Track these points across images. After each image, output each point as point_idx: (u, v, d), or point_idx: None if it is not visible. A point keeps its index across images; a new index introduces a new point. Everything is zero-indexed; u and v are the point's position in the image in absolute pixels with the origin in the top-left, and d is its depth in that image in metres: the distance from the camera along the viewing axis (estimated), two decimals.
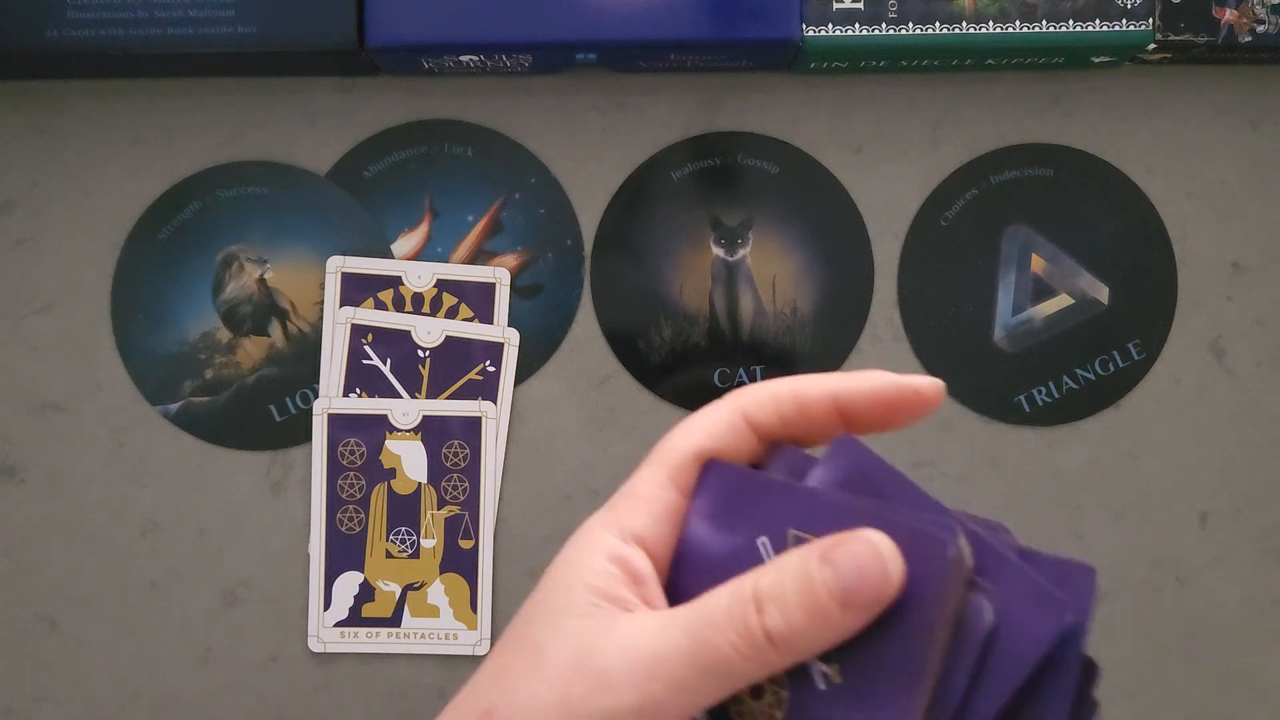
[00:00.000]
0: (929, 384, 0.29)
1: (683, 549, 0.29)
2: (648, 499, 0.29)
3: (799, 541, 0.27)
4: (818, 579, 0.25)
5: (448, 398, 0.55)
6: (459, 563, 0.54)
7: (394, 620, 0.54)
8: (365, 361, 0.55)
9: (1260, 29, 0.53)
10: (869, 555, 0.25)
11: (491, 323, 0.55)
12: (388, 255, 0.55)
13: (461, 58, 0.53)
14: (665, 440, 0.30)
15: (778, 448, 0.30)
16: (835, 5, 0.52)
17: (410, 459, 0.54)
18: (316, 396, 0.55)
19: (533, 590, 0.29)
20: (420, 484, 0.54)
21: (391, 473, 0.54)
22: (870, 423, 0.29)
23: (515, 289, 0.55)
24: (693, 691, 0.25)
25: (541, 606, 0.28)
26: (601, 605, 0.27)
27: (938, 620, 0.25)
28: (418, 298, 0.55)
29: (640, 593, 0.27)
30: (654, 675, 0.25)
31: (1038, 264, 0.56)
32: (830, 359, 0.55)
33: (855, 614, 0.25)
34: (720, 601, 0.26)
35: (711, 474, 0.29)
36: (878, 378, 0.29)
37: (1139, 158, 0.56)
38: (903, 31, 0.52)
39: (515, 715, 0.27)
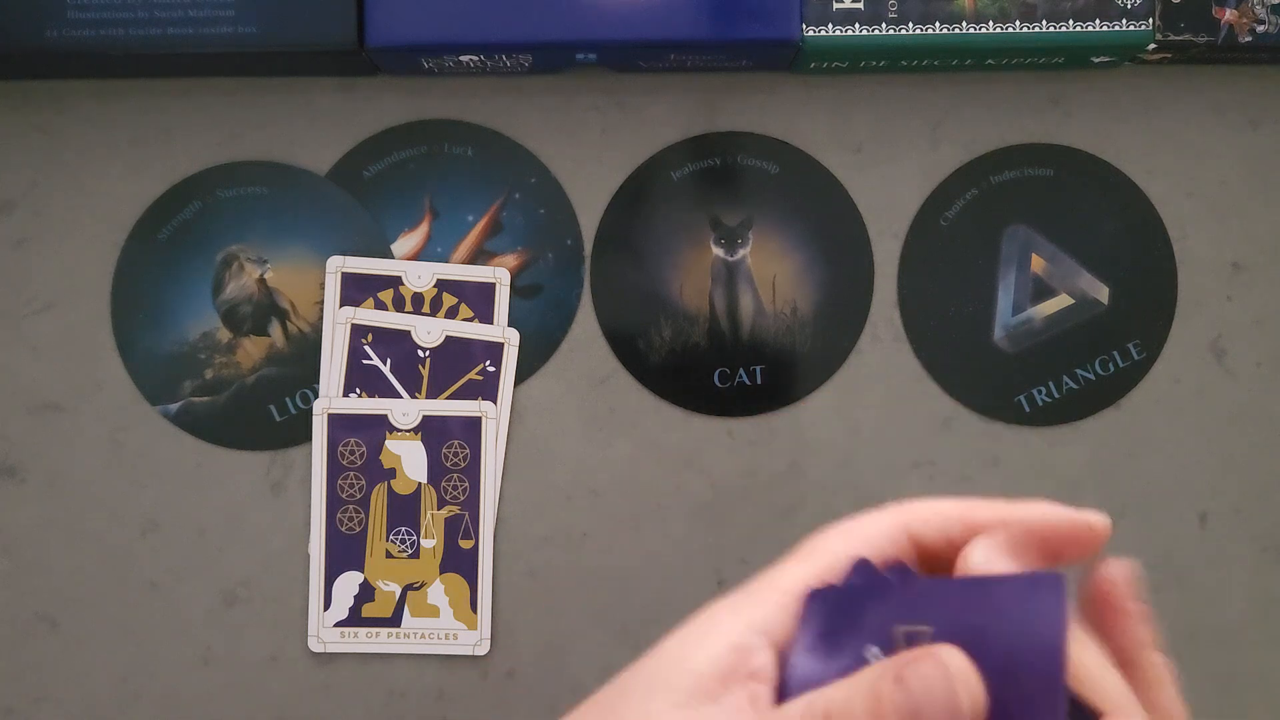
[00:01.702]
0: (1099, 520, 0.28)
1: (785, 685, 0.27)
2: (789, 594, 0.27)
3: (909, 638, 0.25)
4: (887, 700, 0.24)
5: (448, 398, 0.55)
6: (459, 563, 0.54)
7: (394, 620, 0.54)
8: (365, 361, 0.55)
9: (1260, 29, 0.53)
10: (939, 677, 0.24)
11: (491, 323, 0.55)
12: (388, 255, 0.55)
13: (461, 58, 0.53)
14: (820, 539, 0.28)
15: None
16: (835, 5, 0.52)
17: (410, 459, 0.54)
18: (316, 396, 0.55)
19: (640, 658, 0.27)
20: (420, 484, 0.54)
21: (391, 473, 0.54)
22: (1036, 554, 0.28)
23: (515, 289, 0.55)
24: None
25: (638, 679, 0.26)
26: (699, 700, 0.25)
27: (1062, 670, 0.24)
28: (418, 298, 0.55)
29: (751, 691, 0.25)
30: None
31: (1038, 264, 0.56)
32: (830, 359, 0.55)
33: None
34: (793, 711, 0.25)
35: (812, 602, 0.27)
36: (1050, 510, 0.28)
37: (1139, 158, 0.56)
38: (903, 31, 0.52)
39: None
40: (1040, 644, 0.24)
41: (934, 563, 0.28)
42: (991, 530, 0.27)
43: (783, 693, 0.26)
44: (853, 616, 0.26)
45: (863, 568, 0.27)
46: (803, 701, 0.25)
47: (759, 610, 0.26)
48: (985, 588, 0.25)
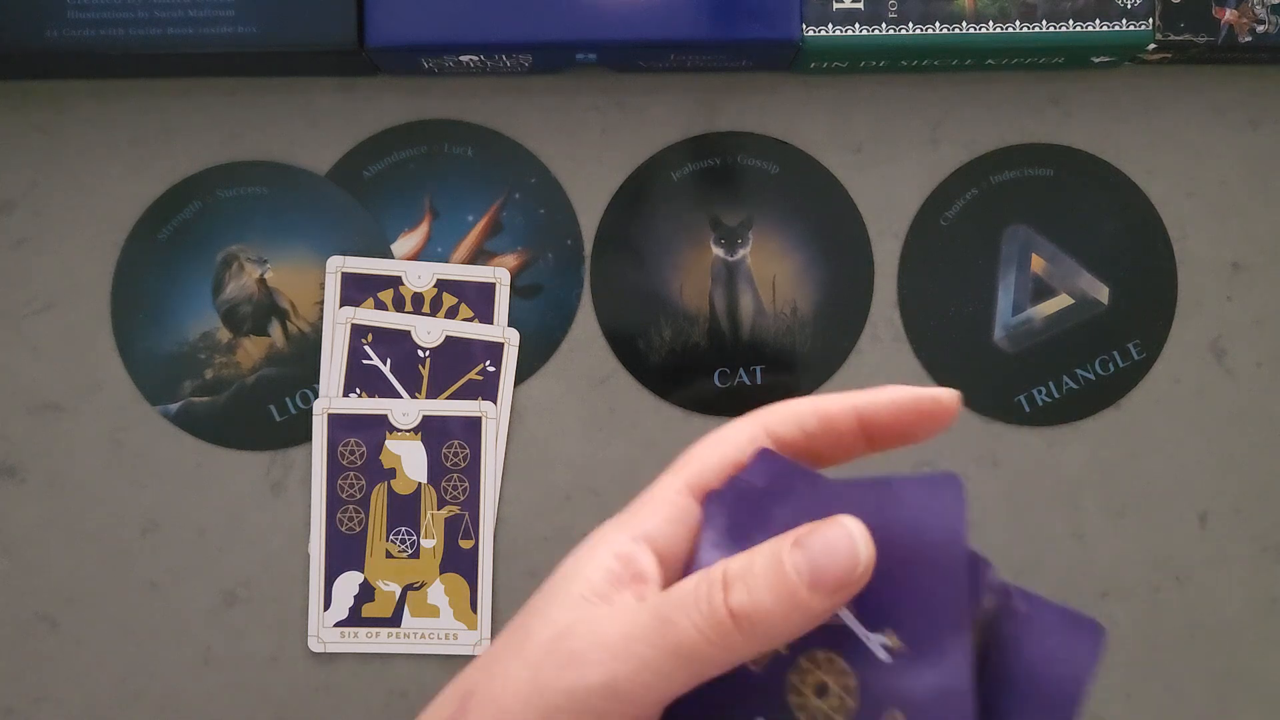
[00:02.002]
0: (948, 394, 0.29)
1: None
2: (663, 503, 0.29)
3: None
4: (788, 560, 0.25)
5: (448, 398, 0.55)
6: (459, 563, 0.54)
7: (394, 620, 0.54)
8: (365, 361, 0.55)
9: (1260, 29, 0.53)
10: (839, 536, 0.25)
11: (491, 323, 0.55)
12: (388, 255, 0.55)
13: (461, 58, 0.53)
14: (687, 452, 0.30)
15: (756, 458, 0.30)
16: (835, 5, 0.52)
17: (410, 459, 0.54)
18: (316, 396, 0.55)
19: (539, 587, 0.29)
20: (420, 484, 0.54)
21: (391, 473, 0.54)
22: (893, 436, 0.30)
23: (515, 289, 0.55)
24: (658, 673, 0.25)
25: (539, 599, 0.28)
26: (592, 599, 0.27)
27: (965, 555, 0.25)
28: (418, 298, 0.55)
29: (638, 590, 0.27)
30: (619, 655, 0.25)
31: (1038, 264, 0.56)
32: (830, 359, 0.55)
33: (823, 596, 0.25)
34: (689, 583, 0.26)
35: (712, 503, 0.29)
36: (899, 390, 0.29)
37: (1139, 158, 0.56)
38: (903, 31, 0.52)
39: (491, 695, 0.27)
40: (944, 536, 0.26)
41: (794, 453, 0.30)
42: (843, 416, 0.29)
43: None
44: (758, 514, 0.28)
45: (767, 460, 0.29)
46: (700, 572, 0.26)
47: (639, 520, 0.29)
48: (889, 487, 0.26)
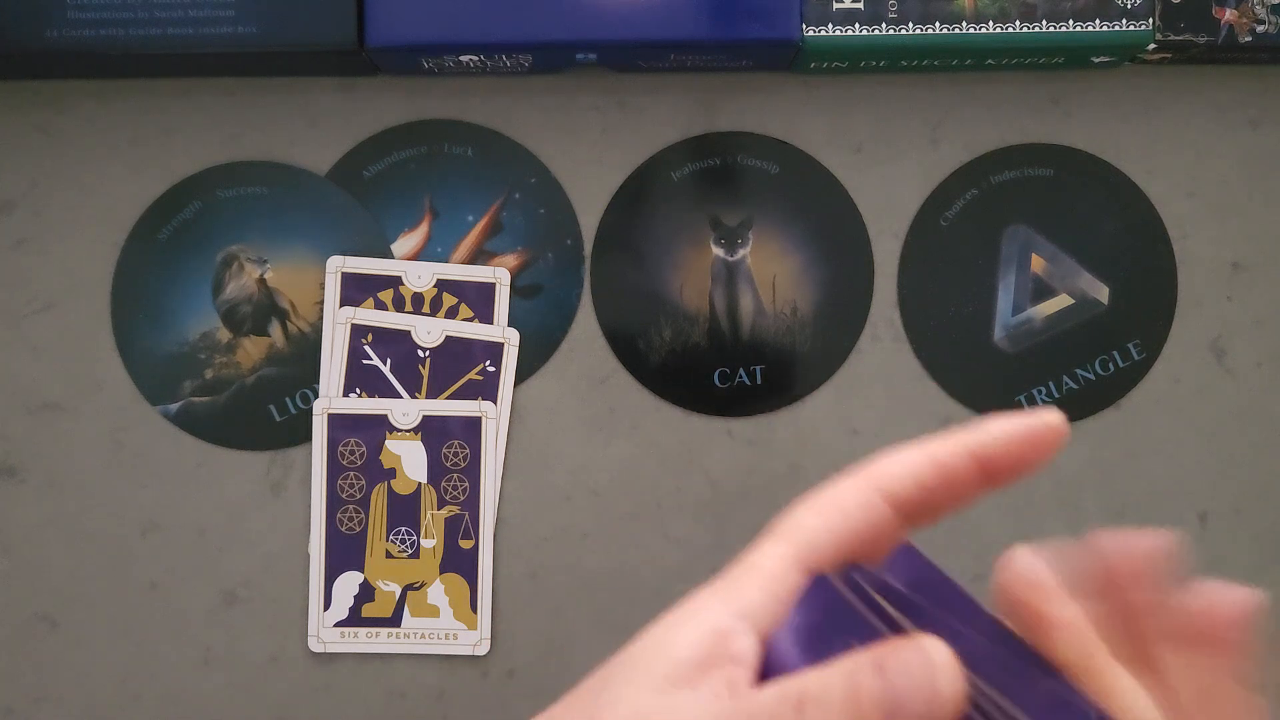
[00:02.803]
0: (1054, 415, 0.28)
1: (769, 669, 0.26)
2: (770, 576, 0.26)
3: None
4: (865, 687, 0.23)
5: (448, 398, 0.55)
6: (459, 563, 0.54)
7: (394, 620, 0.54)
8: (365, 361, 0.55)
9: (1260, 29, 0.53)
10: (919, 665, 0.23)
11: (491, 323, 0.55)
12: (388, 255, 0.55)
13: (461, 58, 0.53)
14: (791, 516, 0.27)
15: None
16: (835, 5, 0.52)
17: (410, 459, 0.54)
18: (316, 396, 0.55)
19: (620, 649, 0.27)
20: (420, 484, 0.54)
21: (391, 473, 0.54)
22: (1010, 470, 0.28)
23: (515, 289, 0.55)
24: None
25: (621, 666, 0.26)
26: (676, 682, 0.25)
27: None
28: (418, 298, 0.55)
29: (731, 676, 0.25)
30: None
31: (1038, 264, 0.56)
32: (830, 359, 0.55)
33: None
34: (768, 697, 0.24)
35: (812, 589, 0.26)
36: (1007, 423, 0.28)
37: (1139, 158, 0.56)
38: (903, 31, 0.52)
39: None
40: None
41: (911, 510, 0.28)
42: (960, 461, 0.27)
43: (765, 676, 0.26)
44: (850, 616, 0.26)
45: (909, 556, 0.26)
46: (779, 686, 0.24)
47: (739, 594, 0.26)
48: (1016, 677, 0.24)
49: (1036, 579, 0.26)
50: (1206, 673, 0.26)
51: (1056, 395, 0.55)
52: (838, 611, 0.26)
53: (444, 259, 0.55)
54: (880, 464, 0.28)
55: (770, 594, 0.26)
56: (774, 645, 0.26)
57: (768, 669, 0.26)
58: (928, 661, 0.23)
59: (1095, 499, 0.55)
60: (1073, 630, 0.26)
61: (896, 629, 0.25)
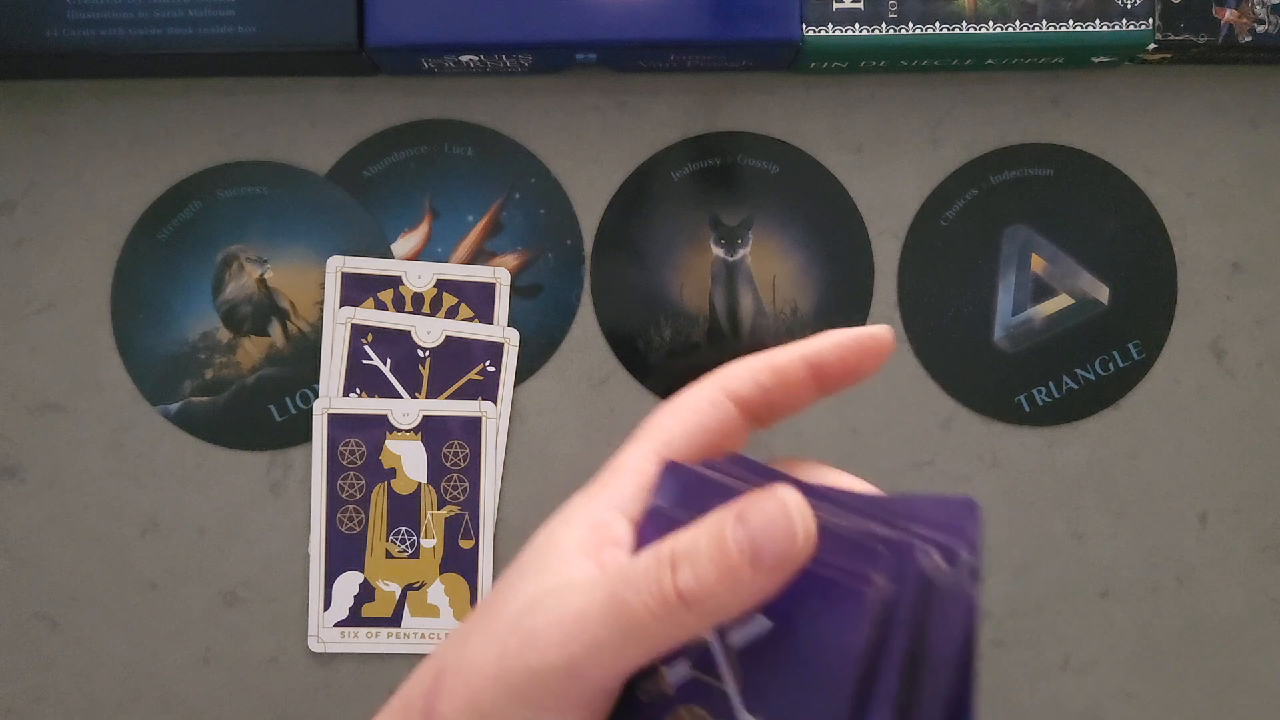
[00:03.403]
0: (882, 329, 0.32)
1: (640, 539, 0.29)
2: (634, 472, 0.29)
3: None
4: (730, 536, 0.25)
5: (448, 398, 0.55)
6: (459, 563, 0.54)
7: (394, 620, 0.54)
8: (365, 361, 0.55)
9: (1260, 29, 0.53)
10: (777, 510, 0.25)
11: (491, 323, 0.55)
12: (388, 255, 0.55)
13: (461, 58, 0.53)
14: (651, 419, 0.31)
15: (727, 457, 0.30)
16: (835, 5, 0.52)
17: (410, 459, 0.54)
18: (316, 396, 0.55)
19: (514, 559, 0.29)
20: (420, 484, 0.54)
21: (391, 473, 0.54)
22: (841, 375, 0.31)
23: (515, 289, 0.55)
24: (612, 653, 0.25)
25: (512, 571, 0.29)
26: (561, 570, 0.27)
27: (854, 675, 0.24)
28: (418, 298, 0.55)
29: (611, 555, 0.28)
30: (575, 635, 0.25)
31: (1038, 264, 0.56)
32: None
33: (766, 574, 0.25)
34: (641, 562, 0.26)
35: (669, 474, 0.29)
36: (838, 334, 0.31)
37: (1139, 158, 0.56)
38: (903, 31, 0.52)
39: (461, 670, 0.27)
40: (840, 634, 0.25)
41: (754, 409, 0.31)
42: (793, 366, 0.31)
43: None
44: (706, 486, 0.28)
45: (672, 468, 0.29)
46: (651, 549, 0.26)
47: (610, 491, 0.29)
48: (828, 528, 0.26)
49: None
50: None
51: (1057, 395, 0.55)
52: (693, 487, 0.28)
53: (444, 259, 0.55)
54: (726, 369, 0.31)
55: (637, 486, 0.29)
56: (642, 530, 0.29)
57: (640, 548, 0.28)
58: (782, 505, 0.25)
59: (1095, 499, 0.55)
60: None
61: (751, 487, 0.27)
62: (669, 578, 0.25)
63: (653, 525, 0.28)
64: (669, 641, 0.25)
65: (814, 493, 0.27)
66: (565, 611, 0.26)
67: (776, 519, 0.25)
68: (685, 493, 0.28)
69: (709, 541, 0.25)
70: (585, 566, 0.27)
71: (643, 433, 0.30)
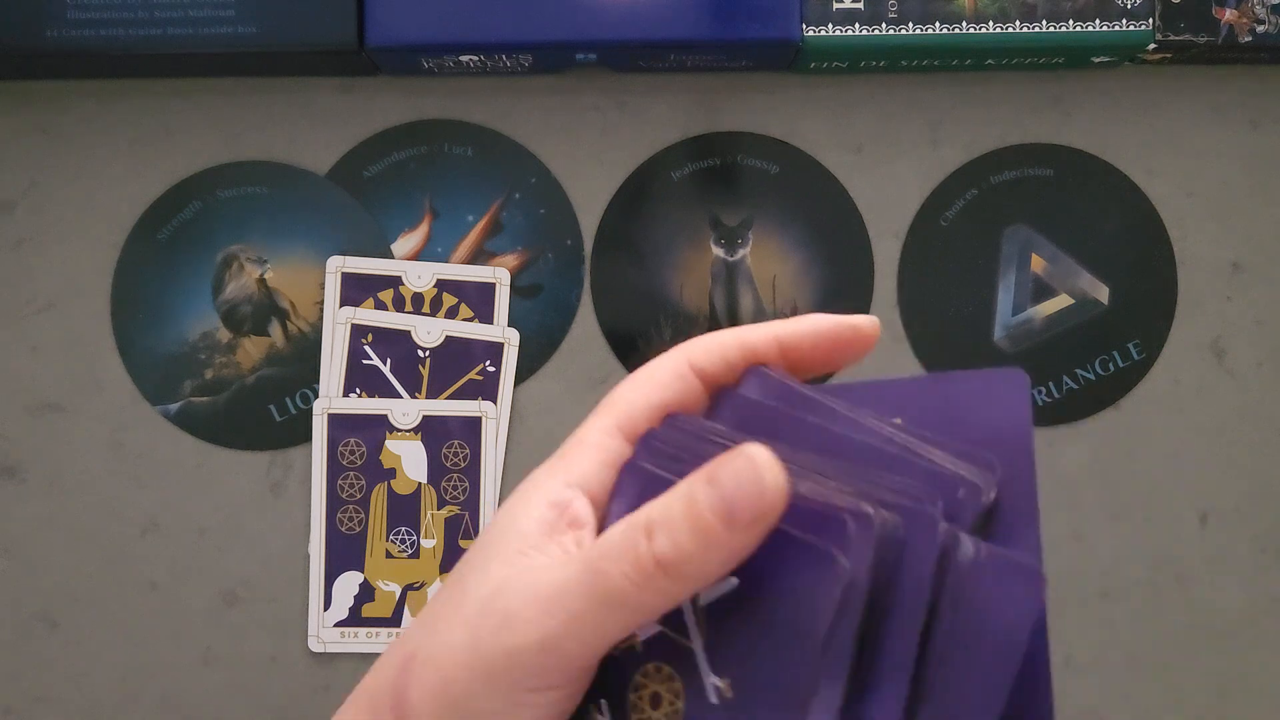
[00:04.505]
0: (867, 321, 0.30)
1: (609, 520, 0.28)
2: (595, 446, 0.29)
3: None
4: (702, 499, 0.25)
5: (448, 398, 0.55)
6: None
7: (394, 620, 0.54)
8: (365, 361, 0.55)
9: (1260, 29, 0.53)
10: (746, 468, 0.24)
11: (491, 323, 0.55)
12: (388, 255, 0.55)
13: (461, 58, 0.53)
14: (614, 391, 0.30)
15: (721, 394, 0.30)
16: (835, 5, 0.52)
17: (410, 459, 0.54)
18: (316, 396, 0.55)
19: (476, 539, 0.29)
20: (420, 484, 0.54)
21: (391, 473, 0.54)
22: (813, 363, 0.30)
23: (515, 289, 0.55)
24: (592, 626, 0.25)
25: (475, 553, 0.28)
26: (526, 551, 0.27)
27: (820, 639, 0.24)
28: (418, 298, 0.55)
29: (575, 536, 0.27)
30: (552, 611, 0.25)
31: (1038, 264, 0.56)
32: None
33: (741, 532, 0.24)
34: (616, 532, 0.26)
35: (627, 474, 0.29)
36: (818, 319, 0.30)
37: (1139, 158, 0.56)
38: (903, 31, 0.52)
39: (432, 658, 0.27)
40: (814, 598, 0.25)
41: (719, 385, 0.30)
42: (765, 346, 0.30)
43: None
44: (674, 460, 0.28)
45: (761, 378, 0.28)
46: (624, 521, 0.26)
47: (570, 466, 0.29)
48: (799, 491, 0.26)
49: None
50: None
51: (1057, 395, 0.55)
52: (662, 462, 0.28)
53: (444, 259, 0.55)
54: (693, 341, 0.30)
55: (598, 462, 0.29)
56: (609, 512, 0.28)
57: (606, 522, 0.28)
58: (751, 463, 0.24)
59: (1095, 499, 0.55)
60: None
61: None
62: (645, 545, 0.25)
63: (620, 510, 0.28)
64: (649, 611, 0.25)
65: (800, 441, 0.27)
66: (539, 588, 0.26)
67: (747, 477, 0.24)
68: (653, 469, 0.28)
69: (682, 506, 0.25)
70: (548, 547, 0.27)
71: (604, 406, 0.30)
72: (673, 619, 0.27)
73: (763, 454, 0.25)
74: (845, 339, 0.30)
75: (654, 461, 0.28)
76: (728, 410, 0.29)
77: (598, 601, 0.25)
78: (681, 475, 0.26)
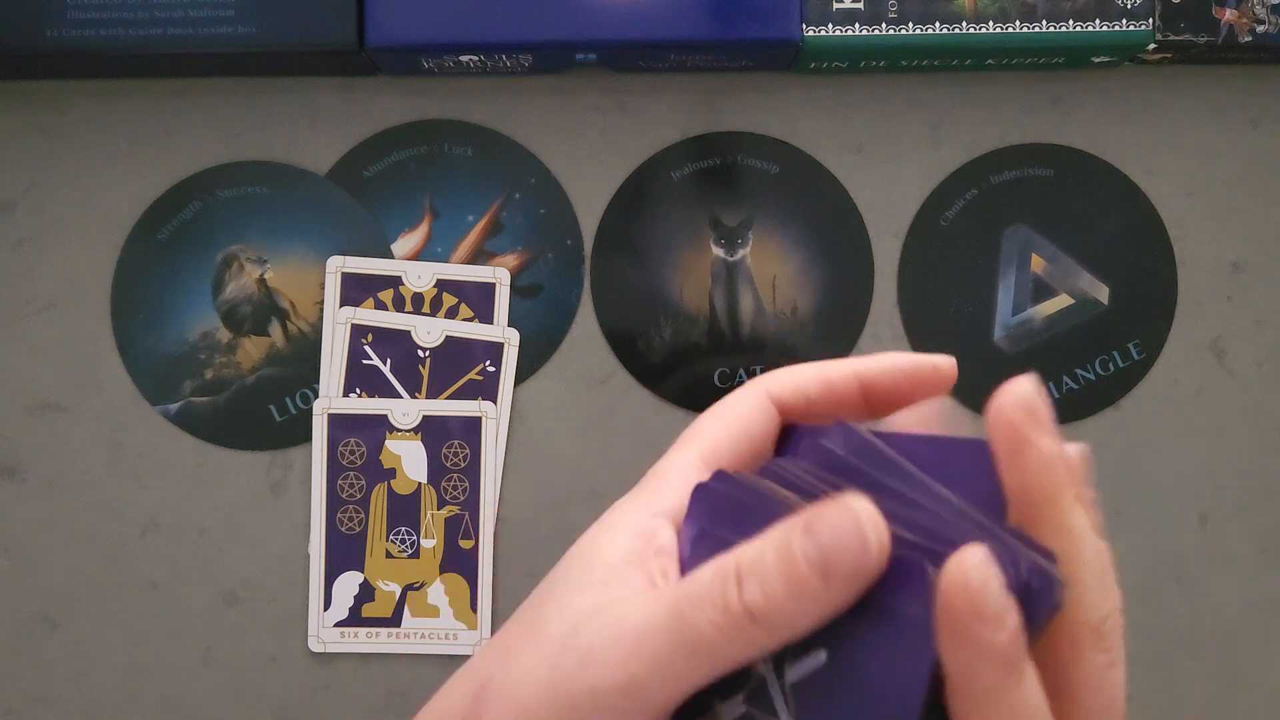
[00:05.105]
0: (945, 361, 0.30)
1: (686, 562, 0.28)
2: (679, 478, 0.28)
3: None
4: (798, 550, 0.24)
5: (448, 398, 0.55)
6: (459, 563, 0.54)
7: (394, 620, 0.54)
8: (365, 361, 0.55)
9: (1260, 29, 0.53)
10: (846, 520, 0.24)
11: (491, 323, 0.55)
12: (388, 255, 0.55)
13: (461, 58, 0.53)
14: (695, 423, 0.30)
15: (796, 430, 0.29)
16: (835, 5, 0.52)
17: (410, 459, 0.54)
18: (316, 396, 0.55)
19: (554, 568, 0.28)
20: (420, 484, 0.54)
21: (391, 473, 0.54)
22: (892, 400, 0.30)
23: (515, 289, 0.55)
24: (675, 671, 0.24)
25: (555, 583, 0.28)
26: (610, 582, 0.26)
27: (918, 708, 0.23)
28: (418, 298, 0.55)
29: (662, 565, 0.27)
30: (635, 654, 0.24)
31: (1038, 264, 0.56)
32: (830, 359, 0.55)
33: (836, 587, 0.23)
34: (704, 577, 0.25)
35: (700, 493, 0.28)
36: (897, 357, 0.30)
37: (1139, 158, 0.56)
38: (903, 31, 0.52)
39: (507, 689, 0.26)
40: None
41: (798, 419, 0.30)
42: (845, 382, 0.30)
43: (682, 572, 0.27)
44: (762, 499, 0.27)
45: (844, 431, 0.28)
46: (714, 564, 0.25)
47: (655, 497, 0.28)
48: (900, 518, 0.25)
49: (1031, 403, 0.27)
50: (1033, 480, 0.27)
51: (1057, 395, 0.55)
52: (748, 498, 0.27)
53: (444, 259, 0.55)
54: (773, 374, 0.30)
55: (682, 494, 0.28)
56: (685, 542, 0.27)
57: (683, 567, 0.27)
58: (853, 517, 0.24)
59: (1095, 499, 0.55)
60: (1047, 460, 0.26)
61: (817, 498, 0.26)
62: (735, 593, 0.24)
63: (702, 543, 0.27)
64: (735, 659, 0.24)
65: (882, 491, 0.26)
66: (624, 628, 0.25)
67: (847, 531, 0.23)
68: (737, 505, 0.27)
69: (776, 555, 0.24)
70: (634, 577, 0.26)
71: (688, 438, 0.30)
72: (760, 696, 0.26)
73: (866, 508, 0.24)
74: (925, 378, 0.30)
75: (727, 485, 0.28)
76: (808, 457, 0.28)
77: (682, 647, 0.24)
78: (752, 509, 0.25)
